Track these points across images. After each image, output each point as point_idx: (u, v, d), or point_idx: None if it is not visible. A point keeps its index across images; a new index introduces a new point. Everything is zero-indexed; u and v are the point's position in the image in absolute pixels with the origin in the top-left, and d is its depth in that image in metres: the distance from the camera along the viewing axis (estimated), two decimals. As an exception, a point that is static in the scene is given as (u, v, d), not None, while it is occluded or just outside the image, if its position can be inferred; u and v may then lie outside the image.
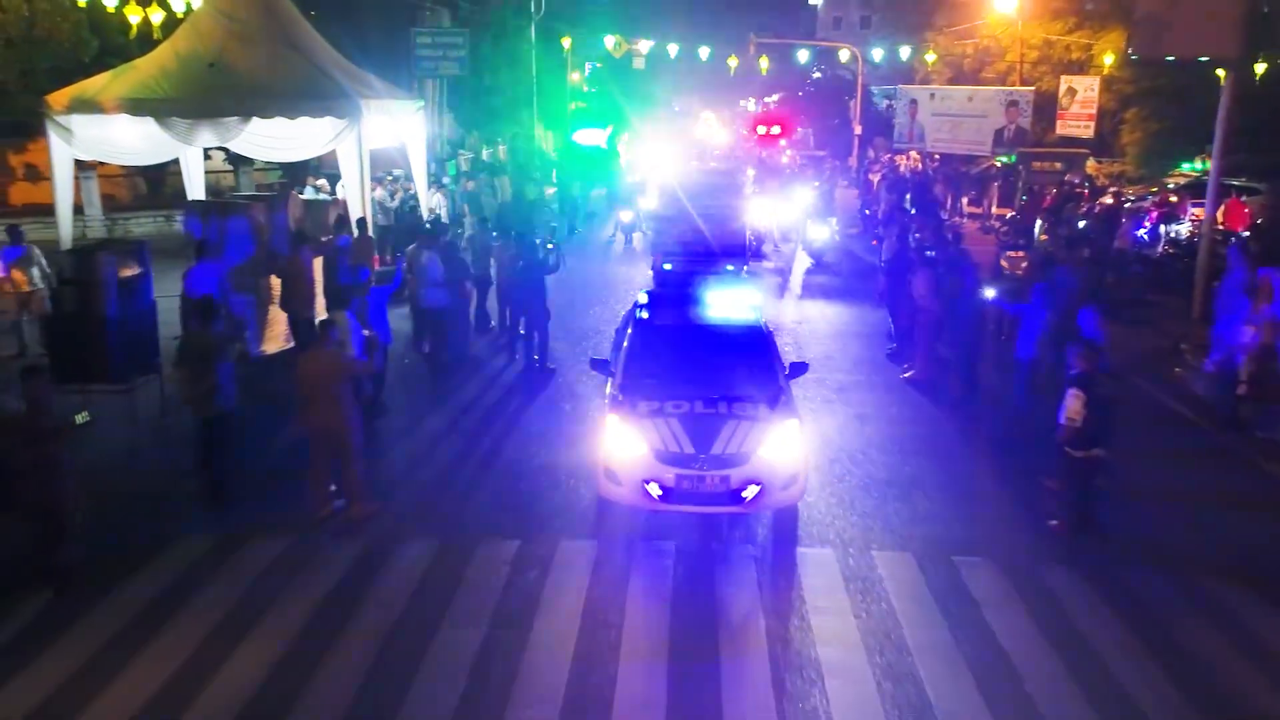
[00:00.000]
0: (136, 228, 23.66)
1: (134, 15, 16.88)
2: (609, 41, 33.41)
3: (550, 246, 12.62)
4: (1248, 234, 16.52)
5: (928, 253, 12.37)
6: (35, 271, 12.20)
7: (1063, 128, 30.97)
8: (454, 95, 31.45)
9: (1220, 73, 15.16)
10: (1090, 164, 30.57)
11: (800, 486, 7.26)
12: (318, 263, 12.45)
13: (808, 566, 6.96)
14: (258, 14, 15.31)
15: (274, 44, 15.13)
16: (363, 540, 7.23)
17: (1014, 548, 7.22)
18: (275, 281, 12.07)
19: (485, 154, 33.04)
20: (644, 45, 38.07)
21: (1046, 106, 31.76)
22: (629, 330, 8.45)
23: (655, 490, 6.99)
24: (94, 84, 14.71)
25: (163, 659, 5.71)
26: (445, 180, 21.24)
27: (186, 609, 6.25)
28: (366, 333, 8.57)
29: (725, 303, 8.47)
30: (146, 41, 18.12)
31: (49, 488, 6.27)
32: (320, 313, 12.47)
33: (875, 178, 30.76)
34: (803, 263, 18.70)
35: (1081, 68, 31.58)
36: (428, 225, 16.04)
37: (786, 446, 7.14)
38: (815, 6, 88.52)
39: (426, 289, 11.73)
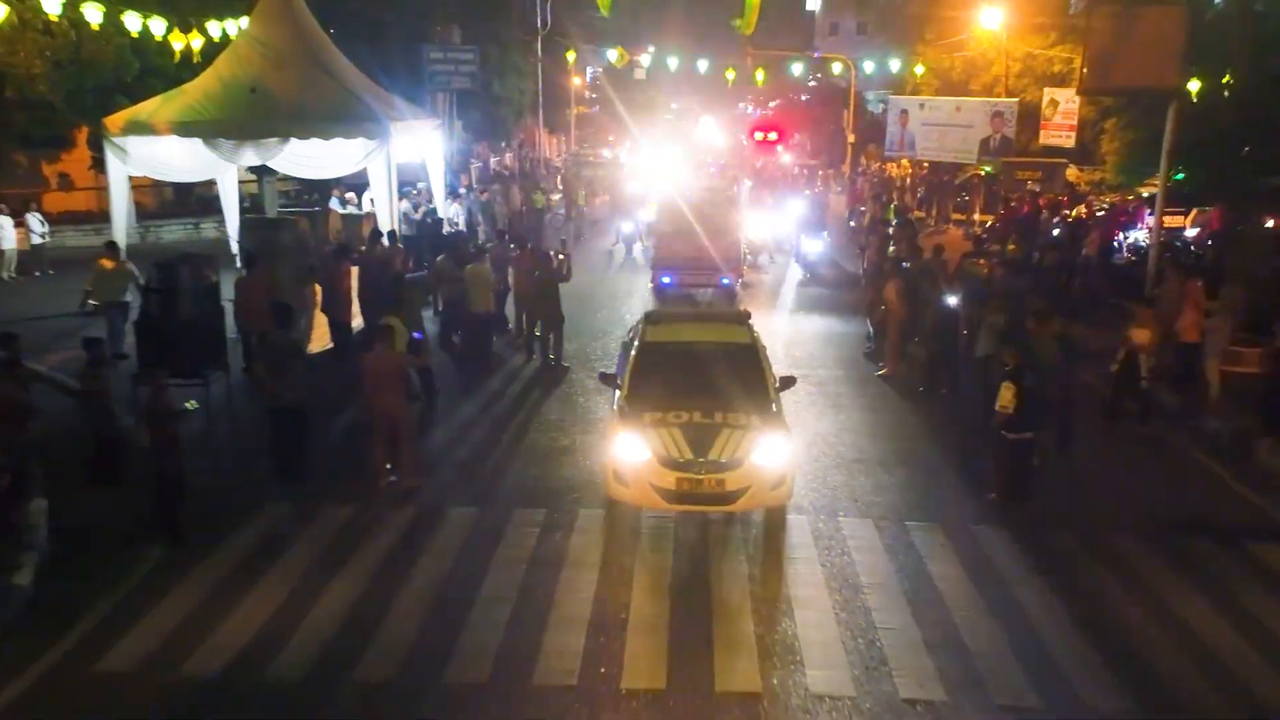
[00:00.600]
0: (167, 234, 25.11)
1: (177, 42, 18.30)
2: (611, 55, 34.74)
3: (561, 258, 14.08)
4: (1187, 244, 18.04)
5: (903, 264, 13.86)
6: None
7: (1045, 138, 32.36)
8: (463, 105, 32.90)
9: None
10: (1072, 172, 32.02)
11: (788, 489, 8.13)
12: (354, 271, 13.95)
13: (786, 529, 8.41)
14: (292, 41, 16.81)
15: (308, 69, 16.62)
16: (414, 508, 8.70)
17: (956, 513, 8.69)
18: (317, 289, 13.54)
19: (494, 162, 34.56)
20: (645, 58, 39.35)
21: (1030, 117, 33.17)
22: (634, 347, 9.22)
23: (659, 493, 7.91)
24: (146, 108, 16.18)
25: (267, 597, 7.16)
26: (461, 190, 22.65)
27: (280, 559, 7.72)
28: (418, 335, 10.04)
29: (721, 324, 9.69)
30: (186, 64, 19.56)
31: (169, 459, 7.74)
32: (356, 317, 14.00)
33: (864, 185, 32.30)
34: (795, 273, 20.12)
35: (1063, 80, 32.96)
36: (450, 234, 17.57)
37: (775, 453, 8.00)
38: (813, 13, 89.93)
39: (476, 298, 13.22)
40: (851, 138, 39.96)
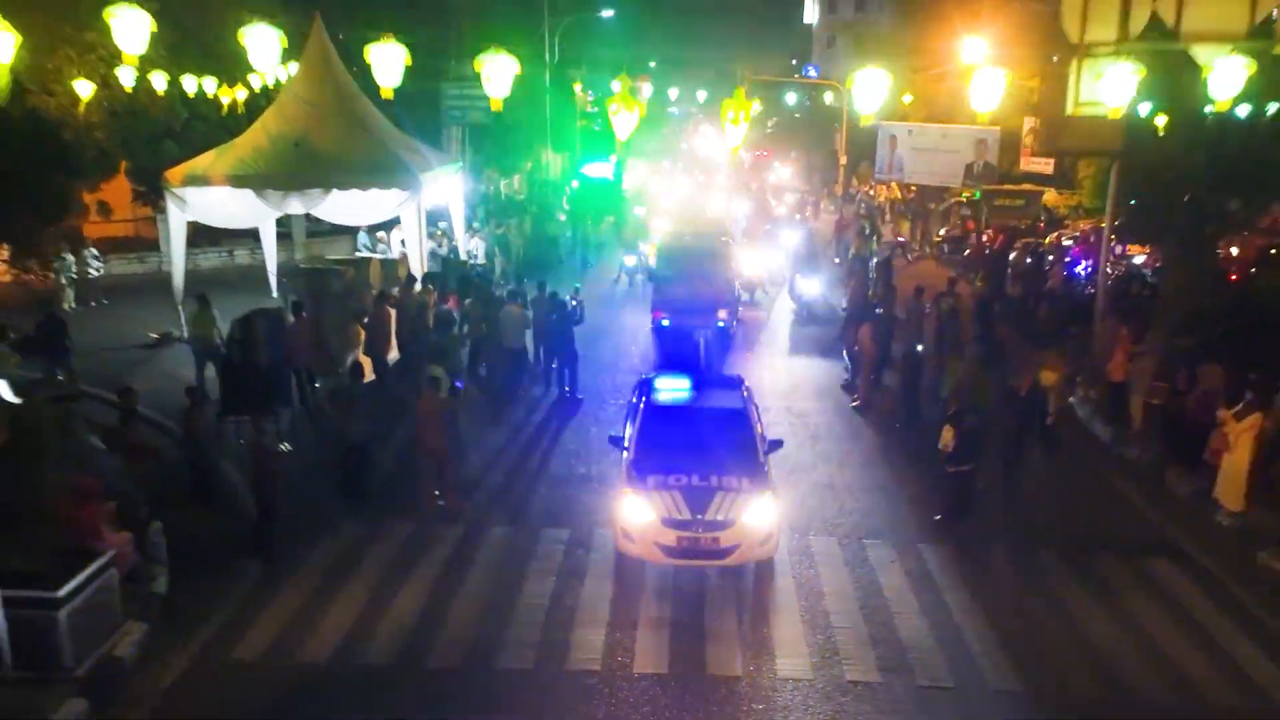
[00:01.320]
0: (204, 262, 26.88)
1: (225, 96, 20.17)
2: (616, 86, 36.55)
3: (575, 304, 15.95)
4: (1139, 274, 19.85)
5: (876, 309, 15.76)
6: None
7: (1026, 164, 34.21)
8: (475, 134, 34.77)
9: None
10: (1051, 196, 33.85)
11: (774, 544, 9.22)
12: (393, 313, 15.82)
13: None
14: (332, 98, 18.70)
15: (347, 124, 18.50)
16: (461, 526, 10.57)
17: (905, 532, 10.56)
18: (360, 331, 15.40)
19: (503, 185, 36.42)
20: (647, 88, 41.23)
21: (1012, 143, 35.01)
22: (638, 413, 10.32)
23: (661, 549, 9.05)
24: (202, 162, 18.04)
25: (350, 601, 9.02)
26: (476, 225, 24.52)
27: (355, 570, 9.58)
28: (459, 384, 11.90)
29: (716, 391, 10.81)
30: (230, 112, 21.47)
31: (268, 490, 9.61)
32: (394, 352, 15.85)
33: (849, 210, 34.25)
34: (786, 304, 21.53)
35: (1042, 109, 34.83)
36: (473, 271, 19.47)
37: (763, 513, 9.10)
38: (810, 26, 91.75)
39: (512, 335, 15.08)
40: (843, 159, 41.90)
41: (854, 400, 15.02)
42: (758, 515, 9.12)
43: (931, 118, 38.24)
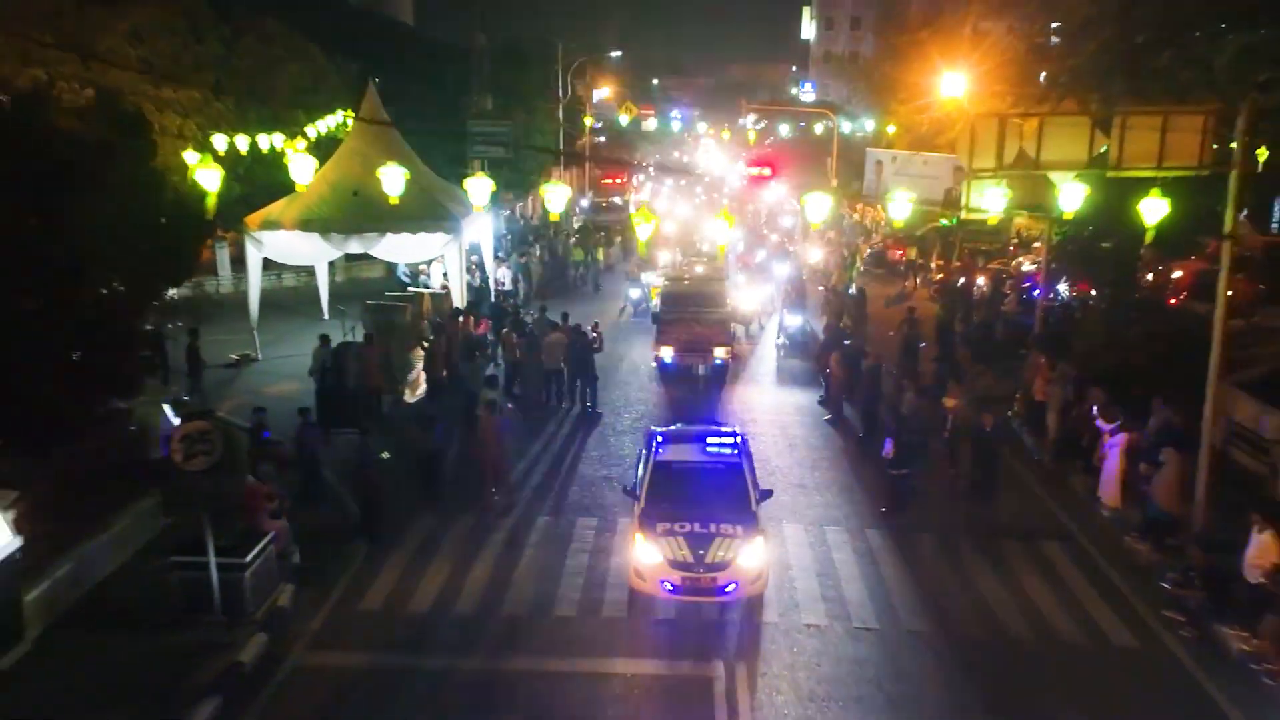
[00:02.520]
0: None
1: (289, 148, 23.31)
2: (623, 115, 39.78)
3: (594, 335, 19.04)
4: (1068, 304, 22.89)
5: (845, 339, 18.89)
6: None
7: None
8: (494, 162, 37.92)
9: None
10: (1022, 220, 36.93)
11: (764, 581, 10.75)
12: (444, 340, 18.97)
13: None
14: (383, 151, 21.87)
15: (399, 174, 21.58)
16: (513, 517, 13.68)
17: (857, 521, 13.67)
18: (419, 353, 18.54)
19: (517, 208, 39.57)
20: (651, 121, 44.35)
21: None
22: (648, 469, 11.71)
23: (668, 586, 10.56)
24: (275, 209, 21.21)
25: (438, 571, 12.11)
26: (501, 254, 27.66)
27: (438, 548, 12.68)
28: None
29: (715, 444, 12.13)
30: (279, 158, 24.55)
31: (372, 488, 12.72)
32: (444, 371, 18.92)
33: (832, 234, 37.31)
34: (773, 341, 23.85)
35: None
36: (505, 300, 22.56)
37: (755, 556, 10.60)
38: (808, 41, 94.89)
39: (554, 357, 18.15)
40: (834, 181, 45.00)
41: (826, 415, 18.14)
42: (750, 557, 10.69)
43: (914, 145, 41.34)
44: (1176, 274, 30.50)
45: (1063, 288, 25.36)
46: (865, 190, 41.89)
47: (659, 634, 10.85)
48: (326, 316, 24.89)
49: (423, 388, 18.52)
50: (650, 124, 47.65)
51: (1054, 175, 12.43)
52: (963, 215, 15.60)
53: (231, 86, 26.06)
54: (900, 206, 13.70)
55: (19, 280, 10.46)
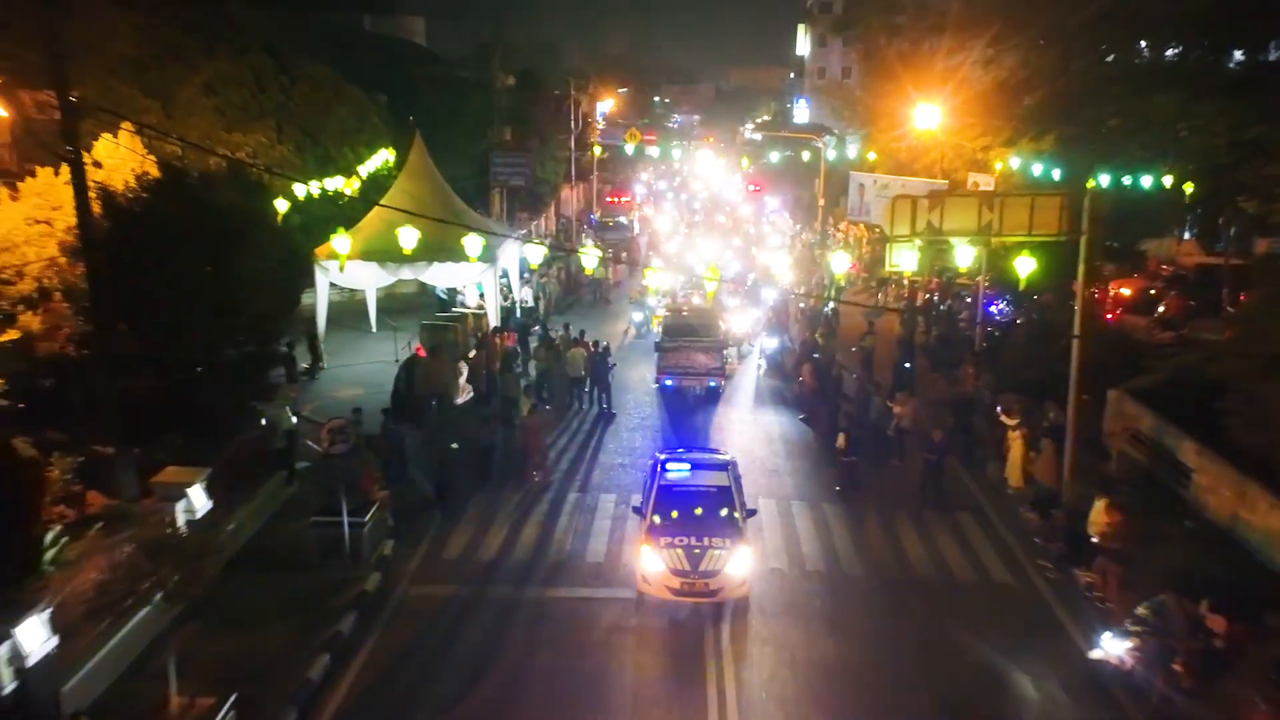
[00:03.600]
0: (305, 299, 33.95)
1: (346, 188, 27.28)
2: (629, 145, 43.82)
3: (611, 358, 22.98)
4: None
5: (814, 354, 22.88)
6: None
7: (970, 211, 41.32)
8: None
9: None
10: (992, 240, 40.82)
11: (748, 587, 13.03)
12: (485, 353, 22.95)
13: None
14: (430, 192, 25.86)
15: (443, 212, 25.57)
16: (551, 492, 17.67)
17: (816, 497, 17.66)
18: (464, 366, 22.50)
19: (533, 226, 43.55)
20: (654, 151, 48.37)
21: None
22: (653, 492, 13.95)
23: (668, 590, 12.87)
24: (337, 244, 25.07)
25: (499, 531, 16.10)
26: (526, 275, 31.63)
27: (496, 516, 16.67)
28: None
29: (711, 471, 14.38)
30: (342, 197, 28.50)
31: (445, 471, 16.72)
32: (485, 379, 22.86)
33: (819, 253, 41.27)
34: (756, 361, 27.12)
35: (984, 165, 41.92)
36: (524, 315, 26.53)
37: (741, 565, 12.86)
38: (803, 58, 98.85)
39: (578, 367, 22.13)
40: (822, 201, 49.07)
41: (801, 415, 22.13)
42: (737, 567, 12.93)
43: (893, 170, 45.32)
44: (1124, 290, 34.63)
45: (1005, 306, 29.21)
46: (849, 210, 45.86)
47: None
48: (375, 329, 28.89)
49: (468, 393, 22.48)
50: (653, 151, 51.51)
51: (953, 239, 16.41)
52: (888, 269, 19.31)
53: (290, 129, 30.02)
54: (908, 258, 16.97)
55: (201, 315, 14.43)
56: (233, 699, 10.35)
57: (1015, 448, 17.61)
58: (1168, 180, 31.46)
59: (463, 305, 27.51)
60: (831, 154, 49.51)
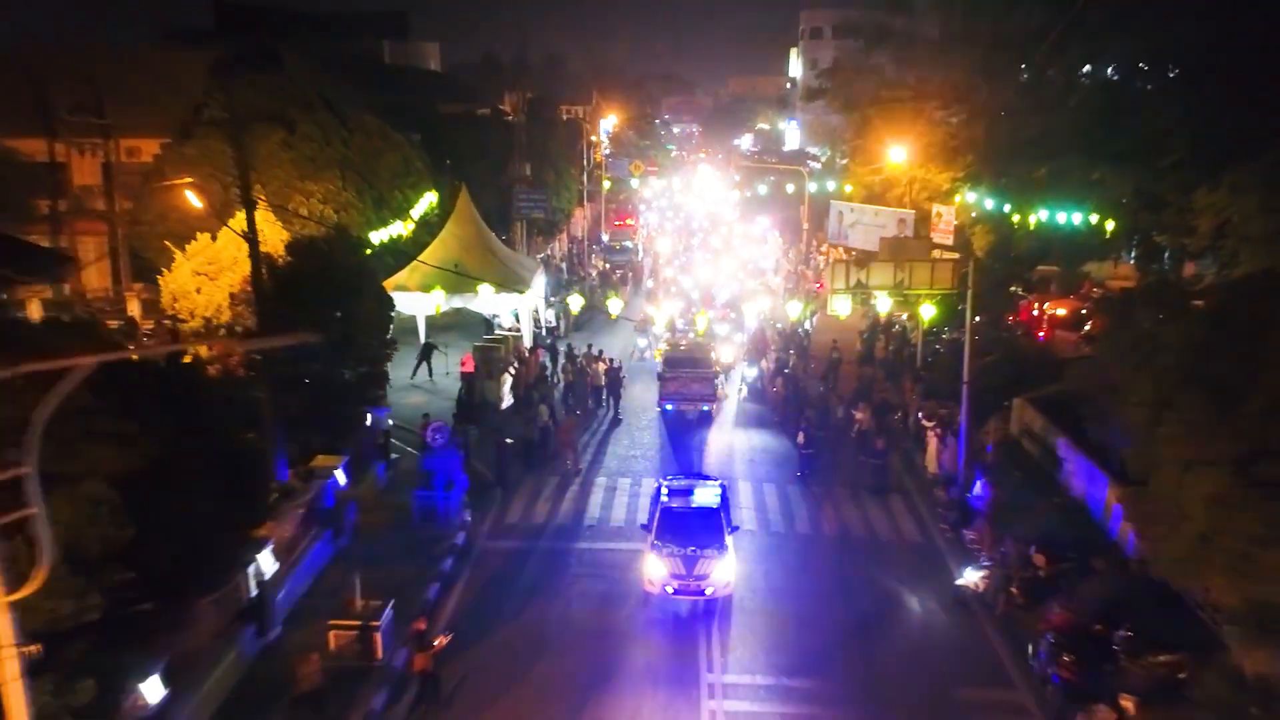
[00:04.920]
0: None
1: (404, 230, 32.91)
2: (634, 179, 49.52)
3: (621, 373, 28.65)
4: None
5: (785, 369, 28.59)
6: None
7: (935, 238, 46.98)
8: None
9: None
10: (957, 258, 46.46)
11: (730, 587, 16.47)
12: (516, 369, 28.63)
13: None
14: (474, 235, 31.53)
15: (485, 251, 31.33)
16: (581, 477, 23.40)
17: (783, 480, 23.41)
18: (506, 379, 28.19)
19: (550, 247, 49.21)
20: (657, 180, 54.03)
21: (927, 220, 47.76)
22: (657, 512, 17.19)
23: (669, 589, 16.13)
24: (401, 276, 30.77)
25: (544, 503, 21.86)
26: (551, 299, 37.32)
27: (540, 495, 22.42)
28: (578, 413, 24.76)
29: (704, 493, 17.73)
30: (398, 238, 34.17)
31: (503, 460, 22.42)
32: (524, 390, 28.54)
33: (804, 270, 46.89)
34: (738, 387, 31.95)
35: (948, 196, 47.58)
36: (548, 334, 32.23)
37: (726, 570, 16.29)
38: (795, 79, 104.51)
39: (600, 380, 27.83)
40: (806, 224, 54.79)
41: (776, 418, 27.83)
42: (722, 571, 16.42)
43: (868, 199, 50.99)
44: (1058, 310, 40.31)
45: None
46: (829, 234, 51.56)
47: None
48: (422, 340, 34.54)
49: (508, 400, 28.16)
50: (656, 174, 57.38)
51: (876, 291, 22.14)
52: (828, 313, 24.74)
53: (350, 176, 35.70)
54: (843, 305, 22.59)
55: (330, 346, 20.08)
56: (391, 602, 15.96)
57: (931, 443, 23.32)
58: (1094, 218, 37.21)
59: (499, 326, 33.13)
60: (813, 186, 55.16)
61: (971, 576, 17.69)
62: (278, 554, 16.24)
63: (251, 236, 19.03)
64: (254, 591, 15.52)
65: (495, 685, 14.91)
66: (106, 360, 8.49)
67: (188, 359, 20.13)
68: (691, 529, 16.97)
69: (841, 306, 22.34)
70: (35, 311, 36.38)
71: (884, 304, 22.87)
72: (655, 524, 17.27)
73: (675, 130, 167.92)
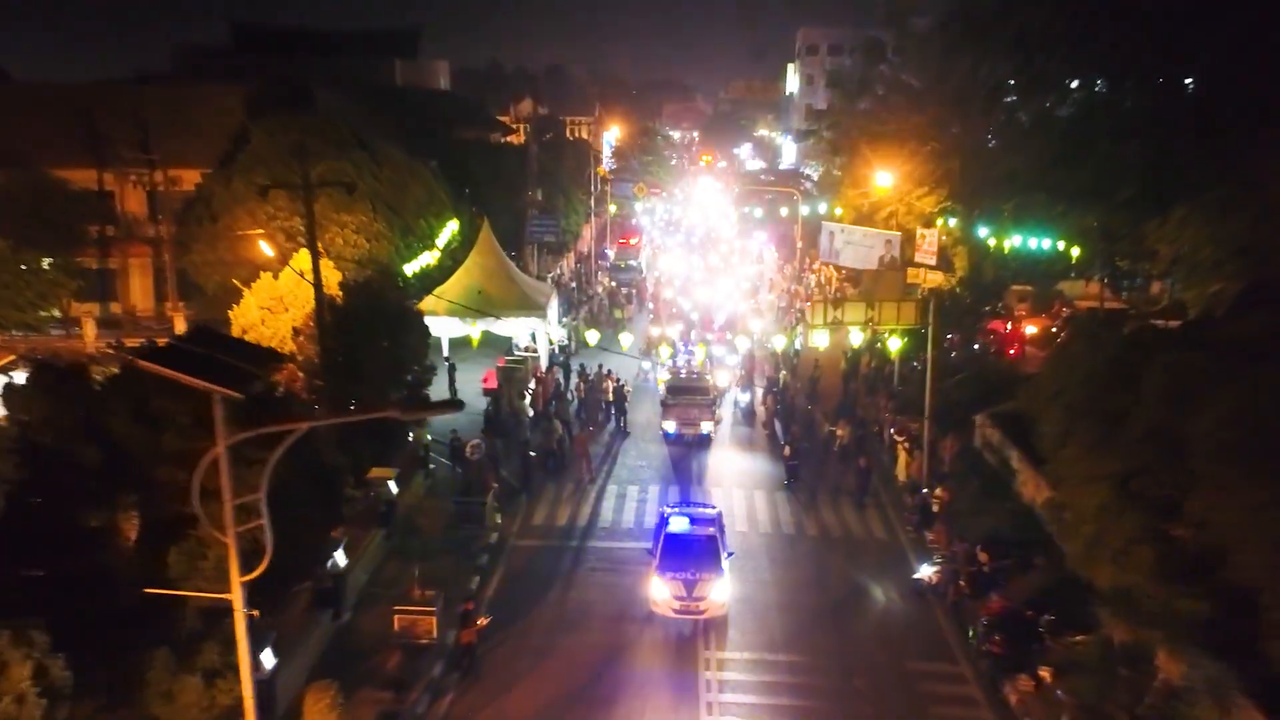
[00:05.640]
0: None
1: (432, 259, 36.28)
2: (638, 200, 52.89)
3: (628, 389, 32.01)
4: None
5: (774, 387, 31.97)
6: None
7: (918, 258, 50.33)
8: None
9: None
10: (937, 276, 49.82)
11: (726, 608, 18.54)
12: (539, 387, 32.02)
13: (705, 481, 26.27)
14: (497, 264, 34.89)
15: (506, 279, 34.67)
16: (596, 485, 26.79)
17: (771, 487, 26.80)
18: (526, 395, 31.55)
19: (561, 266, 52.56)
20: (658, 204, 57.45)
21: (911, 240, 51.10)
22: (660, 540, 19.26)
23: (671, 610, 18.19)
24: (429, 301, 34.08)
25: (565, 506, 25.26)
26: (564, 321, 40.65)
27: (560, 499, 25.80)
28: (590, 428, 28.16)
29: (702, 525, 19.80)
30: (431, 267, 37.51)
31: (526, 470, 25.80)
32: (541, 405, 31.91)
33: (798, 289, 50.17)
34: (731, 412, 35.18)
35: (931, 219, 50.93)
36: (560, 350, 35.63)
37: (721, 592, 18.34)
38: (792, 95, 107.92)
39: (609, 396, 31.24)
40: (799, 243, 58.13)
41: (766, 431, 31.19)
42: (718, 593, 18.50)
43: (857, 221, 54.30)
44: (1030, 328, 43.58)
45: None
46: (821, 253, 54.91)
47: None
48: (445, 357, 37.89)
49: (529, 414, 31.51)
50: (659, 195, 60.92)
51: (850, 327, 25.51)
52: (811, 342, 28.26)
53: (380, 207, 39.03)
54: (822, 338, 26.16)
55: (384, 373, 23.47)
56: (442, 592, 19.29)
57: (901, 455, 26.67)
58: (1061, 245, 40.58)
59: (517, 347, 36.47)
60: (805, 209, 58.53)
61: (927, 571, 21.04)
62: (347, 551, 19.57)
63: (317, 283, 22.40)
64: (331, 582, 18.86)
65: (529, 656, 18.27)
66: (317, 425, 11.84)
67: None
68: (691, 556, 19.11)
69: (820, 339, 25.74)
70: (90, 329, 40.03)
71: (856, 337, 26.17)
72: (659, 552, 19.45)
73: (675, 135, 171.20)
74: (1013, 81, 34.83)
